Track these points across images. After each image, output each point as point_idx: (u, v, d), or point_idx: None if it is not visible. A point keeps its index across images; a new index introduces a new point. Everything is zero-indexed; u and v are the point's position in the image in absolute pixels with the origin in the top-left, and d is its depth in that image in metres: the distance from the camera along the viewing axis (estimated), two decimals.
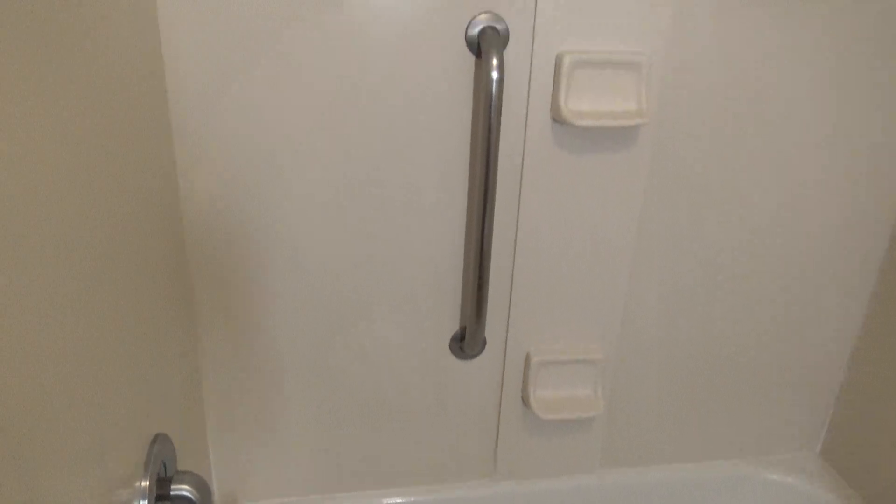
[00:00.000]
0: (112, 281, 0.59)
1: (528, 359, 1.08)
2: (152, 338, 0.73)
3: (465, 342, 1.03)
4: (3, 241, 0.37)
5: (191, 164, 0.88)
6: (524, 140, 0.94)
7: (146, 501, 0.64)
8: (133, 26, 0.72)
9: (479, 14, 0.87)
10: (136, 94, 0.72)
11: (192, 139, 0.87)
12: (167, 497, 0.68)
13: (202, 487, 0.70)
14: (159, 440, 0.70)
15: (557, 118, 0.91)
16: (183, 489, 0.69)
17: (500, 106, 0.86)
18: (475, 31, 0.88)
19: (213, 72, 0.84)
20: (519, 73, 0.91)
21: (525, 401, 1.11)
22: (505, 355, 1.09)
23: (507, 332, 1.07)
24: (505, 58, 0.90)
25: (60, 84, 0.49)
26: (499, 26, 0.88)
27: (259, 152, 0.89)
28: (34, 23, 0.45)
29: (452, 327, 1.06)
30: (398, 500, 1.16)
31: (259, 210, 0.93)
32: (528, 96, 0.92)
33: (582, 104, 0.92)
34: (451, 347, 1.07)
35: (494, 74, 0.84)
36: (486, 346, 1.08)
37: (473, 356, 1.09)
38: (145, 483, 0.65)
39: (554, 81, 0.91)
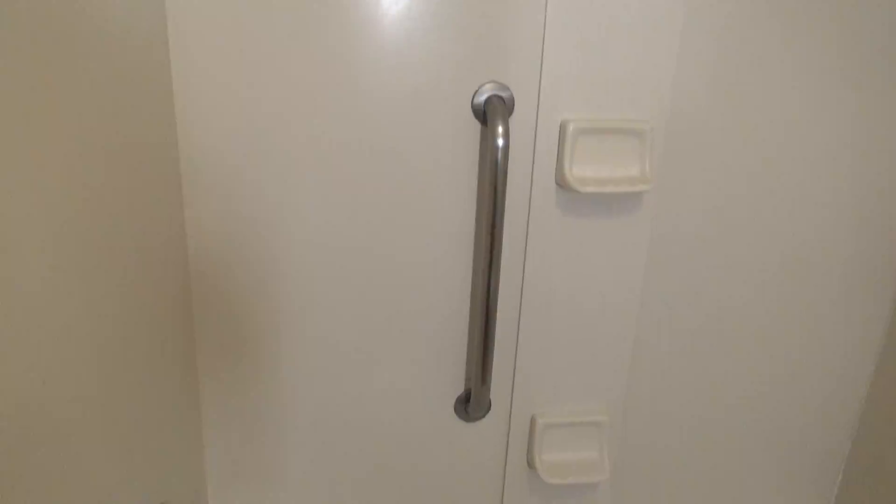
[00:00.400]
0: (118, 355, 0.59)
1: (533, 421, 1.07)
2: (156, 408, 0.73)
3: (471, 405, 1.02)
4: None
5: (199, 226, 0.89)
6: (529, 204, 0.95)
7: None
8: (146, 72, 0.73)
9: (486, 83, 0.89)
10: (147, 147, 0.73)
11: (201, 199, 0.88)
12: None
13: None
14: None
15: (562, 184, 0.93)
16: None
17: (506, 172, 0.87)
18: (481, 99, 0.90)
19: (223, 124, 0.86)
20: (524, 139, 0.93)
21: (530, 464, 1.09)
22: (510, 418, 1.08)
23: (512, 394, 1.06)
24: (510, 125, 0.91)
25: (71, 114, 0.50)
26: (504, 94, 0.90)
27: (265, 204, 0.91)
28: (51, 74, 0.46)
29: (457, 389, 1.05)
30: None
31: (264, 270, 0.93)
32: (533, 162, 0.94)
33: (586, 170, 0.93)
34: (455, 410, 1.06)
35: (500, 142, 0.86)
36: (491, 409, 1.07)
37: (478, 419, 1.07)
38: None
39: (558, 148, 0.93)
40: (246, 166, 0.88)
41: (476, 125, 0.92)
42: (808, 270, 1.07)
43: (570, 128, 0.90)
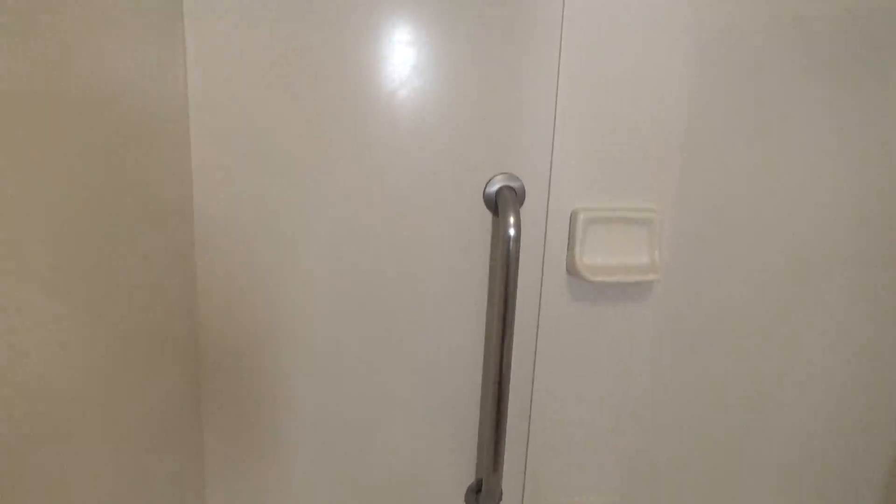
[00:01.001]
0: (124, 410, 0.59)
1: None
2: (160, 467, 0.72)
3: (482, 495, 1.00)
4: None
5: (209, 279, 0.90)
6: (540, 291, 0.96)
7: None
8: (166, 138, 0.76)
9: (497, 174, 0.92)
10: (163, 202, 0.75)
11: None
12: None
13: None
14: None
15: (573, 272, 0.94)
16: None
17: (518, 262, 0.88)
18: (493, 189, 0.92)
19: (237, 191, 0.88)
20: (535, 227, 0.95)
21: None
22: None
23: (524, 483, 1.04)
24: (521, 214, 0.93)
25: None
26: (515, 185, 0.93)
27: (275, 279, 0.92)
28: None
29: (468, 478, 1.03)
30: None
31: (271, 336, 0.94)
32: (544, 250, 0.95)
33: (596, 258, 0.94)
34: (466, 500, 1.04)
35: (511, 232, 0.87)
36: (503, 498, 1.05)
37: None
38: None
39: (569, 237, 0.95)
40: (259, 242, 0.90)
41: (488, 214, 0.94)
42: (820, 361, 1.07)
43: (581, 217, 0.92)
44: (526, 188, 0.93)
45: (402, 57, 0.86)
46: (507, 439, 0.99)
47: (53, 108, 0.50)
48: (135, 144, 0.68)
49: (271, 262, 0.90)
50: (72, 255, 0.53)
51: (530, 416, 1.01)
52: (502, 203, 0.90)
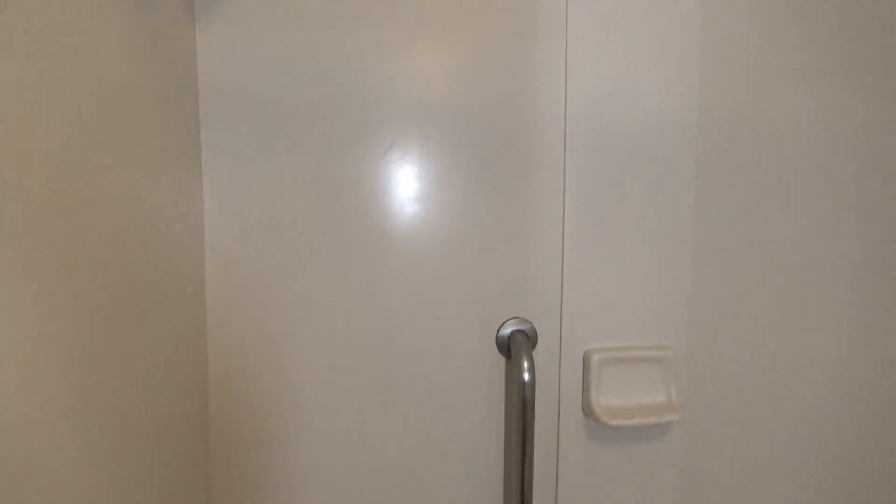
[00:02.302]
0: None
1: None
2: None
3: None
4: None
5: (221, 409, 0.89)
6: (557, 435, 0.95)
7: None
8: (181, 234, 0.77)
9: (509, 319, 0.93)
10: (179, 343, 0.75)
11: (224, 387, 0.89)
12: None
13: None
14: None
15: (589, 415, 0.93)
16: None
17: (534, 407, 0.87)
18: (505, 333, 0.93)
19: (250, 307, 0.88)
20: (549, 370, 0.94)
21: None
22: None
23: None
24: (535, 356, 0.93)
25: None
26: (527, 328, 0.93)
27: (285, 423, 0.90)
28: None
29: None
30: None
31: (283, 480, 0.91)
32: (560, 392, 0.95)
33: (612, 400, 0.93)
34: None
35: (526, 377, 0.87)
36: None
37: None
38: None
39: (583, 379, 0.94)
40: (270, 384, 0.90)
41: (501, 357, 0.94)
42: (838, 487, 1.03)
43: (594, 359, 0.92)
44: (538, 330, 0.94)
45: (413, 201, 0.90)
46: None
47: (80, 236, 0.52)
48: (152, 268, 0.69)
49: (281, 404, 0.90)
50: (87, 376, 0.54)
51: None
52: (515, 348, 0.90)
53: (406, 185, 0.90)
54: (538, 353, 0.94)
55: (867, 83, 1.00)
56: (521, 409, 0.88)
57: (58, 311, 0.49)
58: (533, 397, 0.87)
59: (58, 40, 0.49)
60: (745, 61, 0.96)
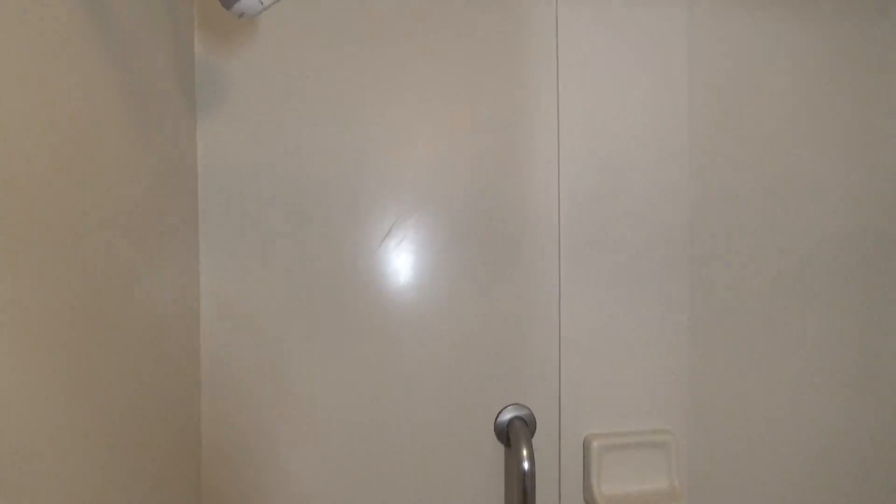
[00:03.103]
0: None
1: None
2: None
3: None
4: None
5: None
6: None
7: None
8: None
9: (507, 405, 0.92)
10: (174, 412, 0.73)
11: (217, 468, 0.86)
12: None
13: None
14: None
15: (591, 503, 0.91)
16: None
17: (535, 496, 0.85)
18: (504, 419, 0.92)
19: (246, 391, 0.86)
20: (549, 456, 0.93)
21: None
22: None
23: None
24: (534, 443, 0.92)
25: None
26: (525, 414, 0.92)
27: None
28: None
29: None
30: None
31: None
32: (560, 479, 0.93)
33: (614, 487, 0.92)
34: None
35: (525, 466, 0.85)
36: None
37: None
38: None
39: (584, 464, 0.93)
40: (267, 476, 0.88)
41: (500, 444, 0.92)
42: None
43: (594, 445, 0.91)
44: (537, 416, 0.93)
45: (410, 287, 0.90)
46: None
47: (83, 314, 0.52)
48: (150, 344, 0.68)
49: (274, 489, 0.88)
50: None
51: None
52: (514, 436, 0.89)
53: (403, 270, 0.90)
54: (537, 438, 0.93)
55: (867, 152, 1.02)
56: (521, 499, 0.86)
57: (55, 387, 0.49)
58: (533, 487, 0.86)
59: (65, 132, 0.50)
60: (734, 149, 0.98)
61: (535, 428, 0.93)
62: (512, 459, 0.92)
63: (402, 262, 0.90)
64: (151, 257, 0.70)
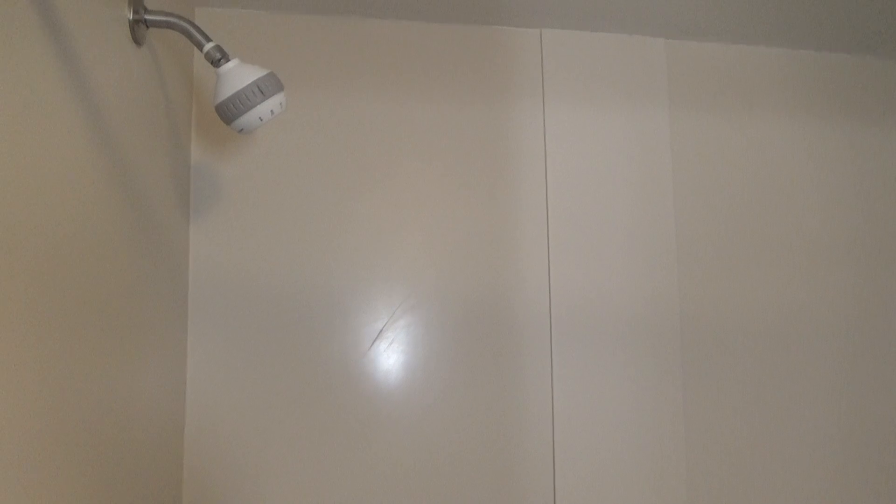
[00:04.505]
0: None
1: None
2: None
3: None
4: None
5: None
6: None
7: None
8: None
9: None
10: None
11: None
12: None
13: None
14: None
15: None
16: None
17: None
18: None
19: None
20: None
21: None
22: None
23: None
24: None
25: None
26: None
27: None
28: None
29: None
30: None
31: None
32: None
33: None
34: None
35: None
36: None
37: None
38: None
39: None
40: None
41: None
42: None
43: None
44: None
45: (399, 390, 0.89)
46: None
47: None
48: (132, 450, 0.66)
49: None
50: None
51: None
52: None
53: (393, 373, 0.89)
54: None
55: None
56: None
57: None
58: None
59: (62, 246, 0.50)
60: (719, 254, 1.00)
61: None
62: None
63: (392, 364, 0.90)
64: (142, 352, 0.69)
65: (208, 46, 0.62)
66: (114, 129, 0.61)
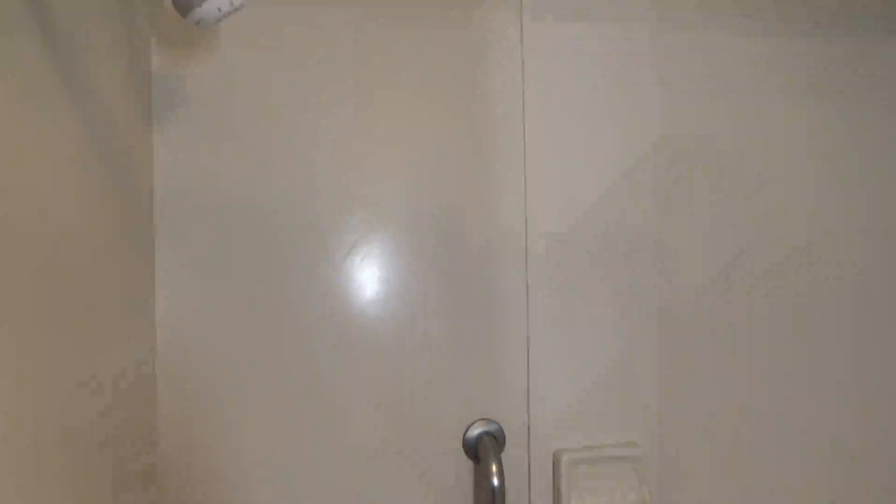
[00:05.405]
0: None
1: None
2: None
3: None
4: None
5: None
6: None
7: None
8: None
9: (476, 420, 0.91)
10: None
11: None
12: None
13: None
14: None
15: None
16: None
17: None
18: (473, 435, 0.90)
19: (204, 419, 0.83)
20: (518, 471, 0.92)
21: None
22: None
23: None
24: (503, 459, 0.91)
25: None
26: (495, 429, 0.91)
27: None
28: None
29: None
30: None
31: None
32: (530, 494, 0.92)
33: (585, 500, 0.90)
34: None
35: (495, 481, 0.84)
36: None
37: None
38: None
39: (554, 479, 0.91)
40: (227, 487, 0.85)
41: (468, 460, 0.91)
42: None
43: (564, 460, 0.90)
44: (506, 431, 0.92)
45: (375, 303, 0.89)
46: None
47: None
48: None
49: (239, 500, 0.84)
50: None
51: None
52: (483, 451, 0.87)
53: (368, 287, 0.89)
54: (507, 454, 0.91)
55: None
56: None
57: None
58: (504, 503, 0.84)
59: (15, 152, 0.48)
60: (704, 163, 0.99)
61: (504, 442, 0.92)
62: (481, 475, 0.90)
63: (366, 278, 0.89)
64: (107, 284, 0.67)
65: None
66: (63, 26, 0.58)
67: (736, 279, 1.00)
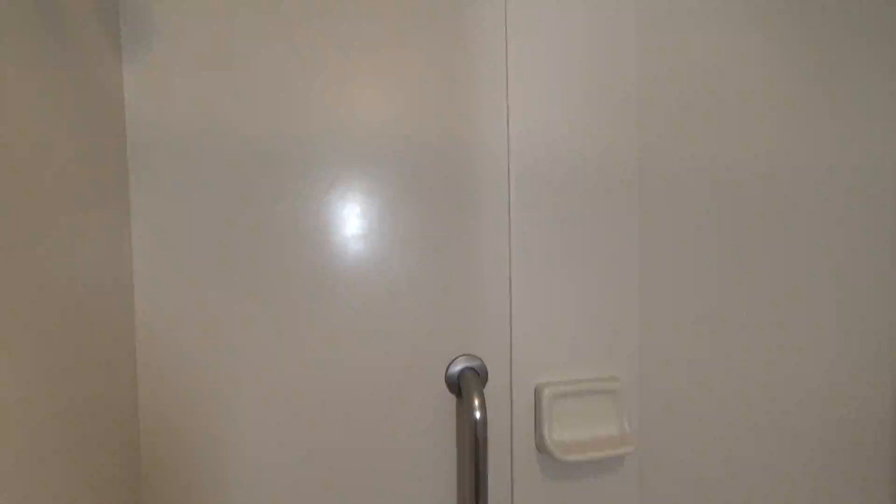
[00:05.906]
0: None
1: None
2: None
3: None
4: None
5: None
6: (511, 472, 0.93)
7: None
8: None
9: (458, 356, 0.91)
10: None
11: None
12: None
13: None
14: None
15: (543, 451, 0.91)
16: None
17: (486, 445, 0.85)
18: (455, 370, 0.91)
19: (185, 354, 0.84)
20: (500, 406, 0.93)
21: None
22: None
23: None
24: (485, 394, 0.92)
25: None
26: (477, 365, 0.92)
27: (229, 468, 0.86)
28: None
29: None
30: None
31: None
32: (512, 428, 0.93)
33: (565, 434, 0.92)
34: None
35: (477, 415, 0.85)
36: None
37: None
38: None
39: (535, 413, 0.93)
40: (211, 436, 0.85)
41: (451, 395, 0.92)
42: None
43: (545, 393, 0.91)
44: (488, 366, 0.92)
45: (356, 238, 0.88)
46: None
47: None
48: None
49: (219, 449, 0.85)
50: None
51: None
52: (466, 386, 0.88)
53: (348, 222, 0.87)
54: (489, 389, 0.92)
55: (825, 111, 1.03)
56: (473, 448, 0.85)
57: None
58: (485, 436, 0.85)
59: None
60: (681, 90, 0.97)
61: (486, 378, 0.93)
62: (463, 410, 0.91)
63: (346, 213, 0.87)
64: (81, 218, 0.65)
65: None
66: None
67: (714, 208, 0.99)
